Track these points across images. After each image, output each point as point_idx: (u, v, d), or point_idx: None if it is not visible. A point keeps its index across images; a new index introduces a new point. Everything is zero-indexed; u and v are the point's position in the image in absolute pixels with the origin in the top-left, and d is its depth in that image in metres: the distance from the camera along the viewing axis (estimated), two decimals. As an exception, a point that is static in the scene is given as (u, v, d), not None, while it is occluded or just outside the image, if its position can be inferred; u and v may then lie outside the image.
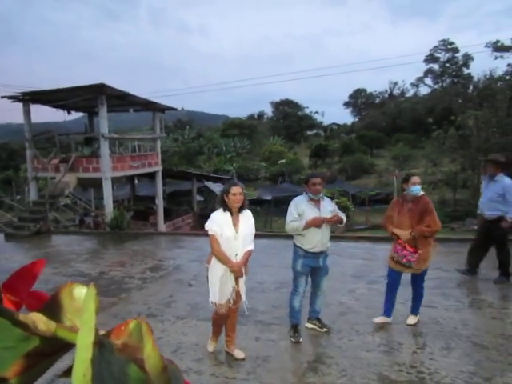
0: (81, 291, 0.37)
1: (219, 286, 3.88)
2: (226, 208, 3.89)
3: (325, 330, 4.69)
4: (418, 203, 4.57)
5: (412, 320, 4.81)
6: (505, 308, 4.79)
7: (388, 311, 4.84)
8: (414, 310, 4.85)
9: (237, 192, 3.83)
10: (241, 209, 3.94)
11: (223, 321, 4.10)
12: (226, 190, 3.91)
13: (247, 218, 3.98)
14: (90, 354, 0.29)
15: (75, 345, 0.33)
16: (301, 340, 4.47)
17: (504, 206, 5.77)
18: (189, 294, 6.14)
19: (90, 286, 0.35)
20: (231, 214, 3.90)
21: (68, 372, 0.36)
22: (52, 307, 0.36)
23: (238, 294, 4.01)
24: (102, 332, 0.35)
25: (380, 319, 4.84)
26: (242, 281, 3.98)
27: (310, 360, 4.09)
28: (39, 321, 0.32)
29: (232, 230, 3.85)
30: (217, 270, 3.89)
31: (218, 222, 3.87)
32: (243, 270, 3.95)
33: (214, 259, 3.91)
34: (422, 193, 4.66)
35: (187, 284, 6.68)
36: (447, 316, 4.99)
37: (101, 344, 0.32)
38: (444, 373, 3.74)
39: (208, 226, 3.91)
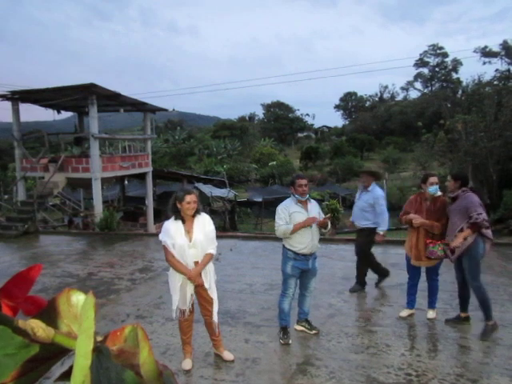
0: (78, 298, 0.38)
1: (179, 294, 3.82)
2: (178, 216, 3.78)
3: (314, 332, 4.71)
4: (435, 203, 4.77)
5: (431, 314, 5.03)
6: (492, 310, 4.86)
7: (411, 303, 5.15)
8: (432, 305, 5.08)
9: (191, 200, 3.70)
10: (195, 213, 3.82)
11: (188, 329, 4.00)
12: (179, 197, 3.74)
13: (203, 222, 3.85)
14: (89, 361, 0.30)
15: (73, 350, 0.34)
16: (290, 342, 4.49)
17: (374, 217, 5.81)
18: (178, 296, 6.11)
19: (89, 294, 0.36)
20: (183, 221, 3.78)
21: (65, 375, 0.37)
22: (49, 313, 0.37)
23: (207, 300, 3.93)
24: (99, 338, 0.36)
25: (405, 312, 5.12)
26: (209, 288, 3.90)
27: (298, 362, 4.10)
28: (38, 327, 0.33)
29: (184, 239, 3.74)
30: (175, 278, 3.81)
31: (169, 231, 3.76)
32: (205, 276, 3.86)
33: (171, 268, 3.84)
34: (439, 193, 4.85)
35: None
36: (435, 318, 5.04)
37: (98, 350, 0.33)
38: (431, 375, 3.78)
39: (160, 236, 3.84)
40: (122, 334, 0.37)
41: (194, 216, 3.82)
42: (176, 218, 3.80)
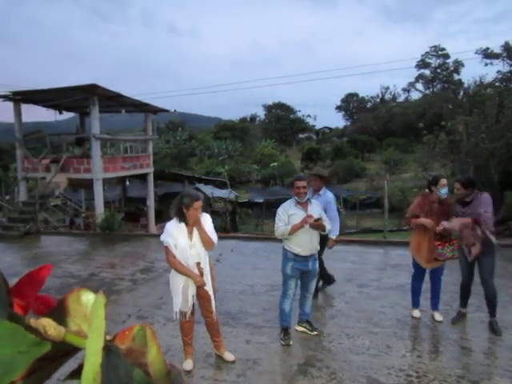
0: (88, 297, 0.38)
1: (182, 296, 3.83)
2: (182, 219, 3.78)
3: (315, 333, 4.71)
4: (443, 205, 4.83)
5: (438, 317, 5.04)
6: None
7: (418, 302, 5.22)
8: (436, 306, 5.10)
9: (198, 207, 3.71)
10: None
11: (190, 330, 4.02)
12: (186, 203, 3.71)
13: (204, 222, 3.87)
14: (100, 359, 0.30)
15: (82, 349, 0.34)
16: (291, 343, 4.49)
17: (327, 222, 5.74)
18: (179, 297, 6.11)
19: (99, 294, 0.37)
20: (186, 223, 3.80)
21: (74, 374, 0.37)
22: (59, 312, 0.38)
23: (207, 301, 3.95)
24: (108, 337, 0.36)
25: (417, 312, 5.16)
26: (209, 289, 3.92)
27: (299, 363, 4.11)
28: (49, 326, 0.34)
29: (187, 240, 3.77)
30: (177, 280, 3.82)
31: (172, 232, 3.78)
32: (209, 277, 3.91)
33: (173, 270, 3.85)
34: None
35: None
36: (441, 321, 5.04)
37: (108, 349, 0.34)
38: (432, 376, 3.78)
39: (161, 237, 3.85)
40: (131, 334, 0.37)
41: None
42: (180, 221, 3.82)
